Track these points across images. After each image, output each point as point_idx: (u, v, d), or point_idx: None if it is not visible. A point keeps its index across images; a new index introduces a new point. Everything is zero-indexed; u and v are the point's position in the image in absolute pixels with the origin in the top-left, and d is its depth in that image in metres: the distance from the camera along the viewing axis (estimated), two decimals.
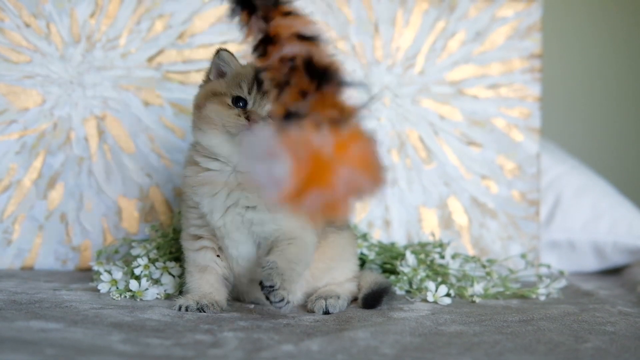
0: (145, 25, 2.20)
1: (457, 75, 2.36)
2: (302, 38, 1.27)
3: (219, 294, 1.66)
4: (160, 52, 2.21)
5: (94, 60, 2.17)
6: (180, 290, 1.74)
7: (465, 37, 2.37)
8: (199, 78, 2.20)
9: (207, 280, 1.66)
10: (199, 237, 1.69)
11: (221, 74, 1.69)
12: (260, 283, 1.53)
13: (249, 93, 1.61)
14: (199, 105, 1.67)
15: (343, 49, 2.32)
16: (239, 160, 1.61)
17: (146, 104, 2.19)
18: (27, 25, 2.12)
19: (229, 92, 1.63)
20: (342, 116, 1.22)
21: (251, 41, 1.31)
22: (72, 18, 2.16)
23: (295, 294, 1.66)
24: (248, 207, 1.62)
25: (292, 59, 1.24)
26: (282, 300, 1.52)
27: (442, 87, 2.35)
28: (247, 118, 1.58)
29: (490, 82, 2.37)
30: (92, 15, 2.17)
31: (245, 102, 1.61)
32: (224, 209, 1.62)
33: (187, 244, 1.70)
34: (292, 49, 1.25)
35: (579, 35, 3.27)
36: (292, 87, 1.22)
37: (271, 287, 1.52)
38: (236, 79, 1.64)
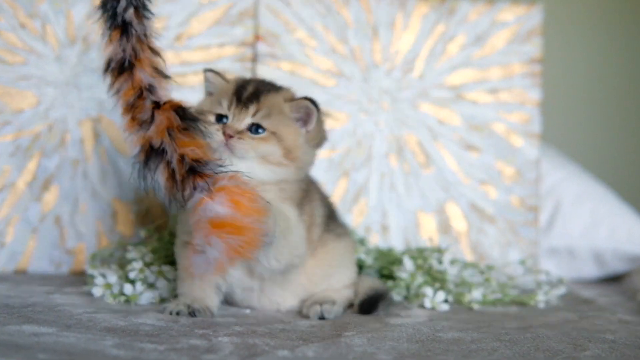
0: None
1: (456, 80, 2.35)
2: (158, 73, 1.49)
3: (211, 300, 1.64)
4: None
5: (90, 61, 2.15)
6: (176, 295, 1.72)
7: (465, 41, 2.36)
8: (196, 80, 2.20)
9: (199, 286, 1.64)
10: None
11: (211, 93, 1.74)
12: None
13: (229, 108, 1.64)
14: None
15: (341, 52, 2.31)
16: None
17: None
18: (23, 26, 2.11)
19: (212, 109, 1.67)
20: (205, 159, 1.43)
21: (108, 55, 1.47)
22: (68, 19, 2.14)
23: (285, 301, 1.71)
24: None
25: (147, 88, 1.46)
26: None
27: (441, 91, 2.34)
28: (224, 132, 1.61)
29: (489, 87, 2.36)
30: (88, 16, 2.15)
31: (227, 118, 1.64)
32: None
33: (180, 251, 1.68)
34: (148, 78, 1.47)
35: (580, 40, 3.27)
36: (157, 123, 1.44)
37: None
38: (218, 96, 1.68)
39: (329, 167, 2.27)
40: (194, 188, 1.40)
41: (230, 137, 1.60)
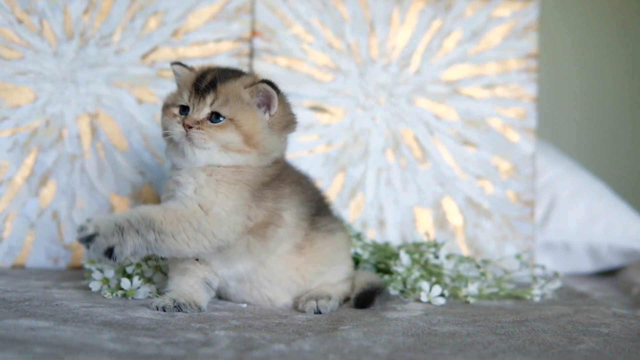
0: (139, 22, 2.19)
1: (452, 75, 2.36)
2: None
3: (198, 296, 1.62)
4: (154, 49, 2.20)
5: (87, 57, 2.15)
6: (160, 293, 1.72)
7: (461, 36, 2.37)
8: None
9: (187, 282, 1.64)
10: None
11: (179, 86, 1.73)
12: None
13: (189, 99, 1.63)
14: (162, 115, 1.71)
15: (338, 47, 2.31)
16: (187, 166, 1.63)
17: (140, 101, 2.18)
18: (20, 22, 2.11)
19: (175, 101, 1.66)
20: None
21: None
22: (66, 14, 2.14)
23: (278, 300, 1.70)
24: (180, 183, 1.62)
25: None
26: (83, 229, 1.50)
27: (438, 86, 2.35)
28: (184, 124, 1.60)
29: (486, 82, 2.36)
30: (85, 11, 2.15)
31: (189, 109, 1.63)
32: None
33: None
34: None
35: (576, 36, 3.27)
36: None
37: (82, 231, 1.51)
38: (181, 87, 1.68)
39: (325, 162, 2.28)
40: None
41: (190, 127, 1.59)
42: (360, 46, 2.33)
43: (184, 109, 1.64)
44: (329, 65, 2.31)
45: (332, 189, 2.26)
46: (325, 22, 2.31)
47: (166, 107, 1.68)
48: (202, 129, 1.60)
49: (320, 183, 2.24)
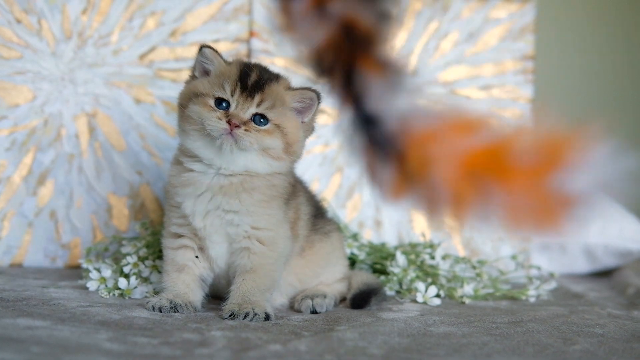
0: (138, 22, 2.19)
1: (449, 76, 2.36)
2: None
3: (194, 295, 1.63)
4: (152, 49, 2.20)
5: (85, 56, 2.16)
6: (157, 292, 1.72)
7: (458, 37, 2.37)
8: None
9: (183, 280, 1.63)
10: (179, 236, 1.65)
11: (206, 72, 1.63)
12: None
13: (232, 95, 1.56)
14: (182, 104, 1.62)
15: None
16: (221, 163, 1.58)
17: (137, 101, 2.18)
18: (18, 21, 2.11)
19: (212, 92, 1.57)
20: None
21: None
22: (64, 14, 2.15)
23: (274, 301, 1.69)
24: (229, 211, 1.59)
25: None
26: (248, 314, 1.54)
27: (435, 87, 2.35)
28: (229, 122, 1.53)
29: (482, 83, 2.37)
30: (84, 11, 2.16)
31: (228, 104, 1.56)
32: (205, 212, 1.60)
33: (167, 242, 1.67)
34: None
35: (572, 37, 3.27)
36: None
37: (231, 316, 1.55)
38: (219, 78, 1.58)
39: (322, 163, 2.29)
40: None
41: (237, 127, 1.53)
42: None
43: (220, 102, 1.56)
44: None
45: (329, 189, 2.27)
46: None
47: (196, 95, 1.59)
48: (250, 131, 1.54)
49: (318, 183, 2.25)
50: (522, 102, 2.38)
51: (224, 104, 1.56)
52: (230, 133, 1.53)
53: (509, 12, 2.39)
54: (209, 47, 1.62)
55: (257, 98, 1.55)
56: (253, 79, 1.57)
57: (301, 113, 1.61)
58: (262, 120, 1.55)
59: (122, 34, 2.18)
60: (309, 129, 1.65)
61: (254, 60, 2.27)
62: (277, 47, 2.28)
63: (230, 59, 1.65)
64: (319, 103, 1.61)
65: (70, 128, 2.14)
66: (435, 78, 2.36)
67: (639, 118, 3.31)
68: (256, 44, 2.28)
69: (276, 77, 1.61)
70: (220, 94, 1.56)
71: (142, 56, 2.20)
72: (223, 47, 2.26)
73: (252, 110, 1.55)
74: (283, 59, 2.29)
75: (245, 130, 1.53)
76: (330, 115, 2.30)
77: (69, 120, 2.14)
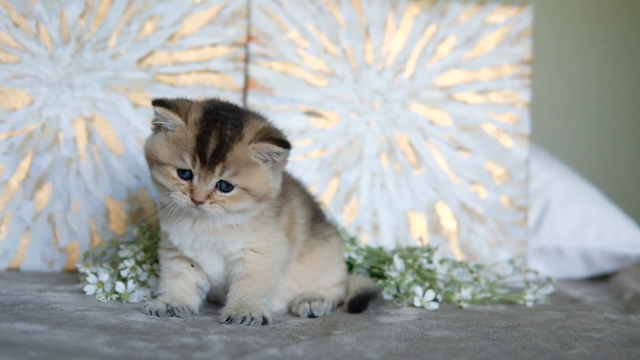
0: (136, 27, 2.20)
1: (447, 81, 2.37)
2: None
3: (191, 299, 1.63)
4: (150, 53, 2.21)
5: (83, 61, 2.16)
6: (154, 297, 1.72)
7: (455, 42, 2.38)
8: (189, 80, 2.22)
9: (180, 285, 1.64)
10: (174, 250, 1.65)
11: (159, 127, 1.56)
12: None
13: (193, 166, 1.49)
14: (147, 162, 1.57)
15: (333, 52, 2.32)
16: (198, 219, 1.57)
17: (135, 105, 2.19)
18: (16, 25, 2.11)
19: (172, 163, 1.51)
20: None
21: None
22: (62, 18, 2.15)
23: (273, 306, 1.69)
24: (216, 243, 1.59)
25: None
26: (245, 319, 1.54)
27: (432, 92, 2.36)
28: (192, 198, 1.50)
29: (480, 88, 2.37)
30: (82, 15, 2.16)
31: (191, 173, 1.51)
32: (193, 238, 1.59)
33: (163, 253, 1.67)
34: None
35: (569, 42, 3.28)
36: None
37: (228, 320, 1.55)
38: (178, 145, 1.51)
39: (320, 167, 2.29)
40: None
41: (201, 202, 1.50)
42: (355, 51, 2.34)
43: (182, 172, 1.51)
44: (324, 70, 2.32)
45: (326, 194, 2.27)
46: (321, 27, 2.32)
47: (158, 163, 1.53)
48: (215, 203, 1.51)
49: (315, 187, 2.25)
50: (519, 107, 2.38)
51: (186, 173, 1.51)
52: (197, 207, 1.51)
53: (506, 17, 2.40)
54: (162, 103, 1.54)
55: (218, 169, 1.49)
56: (212, 148, 1.49)
57: (270, 159, 1.54)
58: (228, 186, 1.51)
59: (120, 38, 2.18)
60: (283, 163, 1.59)
61: (251, 64, 2.28)
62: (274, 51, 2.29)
63: (190, 105, 1.55)
64: (288, 152, 1.56)
65: (67, 132, 2.14)
66: (432, 82, 2.36)
67: (637, 122, 3.32)
68: (254, 48, 2.28)
69: (239, 134, 1.51)
70: (180, 165, 1.51)
71: (140, 60, 2.20)
72: (221, 51, 2.26)
73: (215, 180, 1.50)
74: (281, 62, 2.30)
75: (211, 202, 1.50)
76: (328, 119, 2.31)
77: (66, 124, 2.14)
